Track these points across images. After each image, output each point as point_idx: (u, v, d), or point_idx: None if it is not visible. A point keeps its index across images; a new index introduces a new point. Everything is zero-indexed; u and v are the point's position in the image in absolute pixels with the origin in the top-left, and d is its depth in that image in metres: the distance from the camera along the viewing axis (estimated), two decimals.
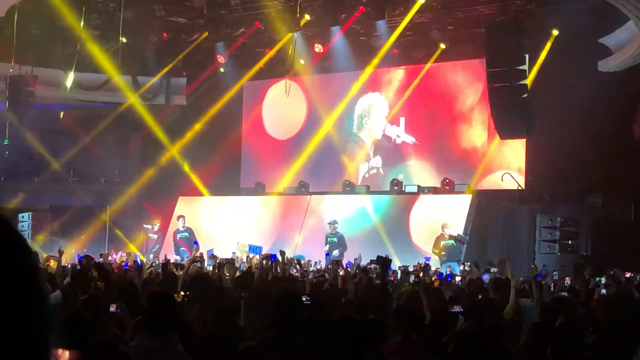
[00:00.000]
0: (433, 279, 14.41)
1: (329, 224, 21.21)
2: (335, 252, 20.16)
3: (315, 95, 26.76)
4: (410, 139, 24.99)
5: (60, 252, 14.00)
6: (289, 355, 6.02)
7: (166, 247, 24.08)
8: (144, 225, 24.48)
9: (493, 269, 15.44)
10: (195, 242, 20.23)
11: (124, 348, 5.94)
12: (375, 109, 25.84)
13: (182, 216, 23.60)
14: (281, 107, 27.32)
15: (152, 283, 10.60)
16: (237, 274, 12.26)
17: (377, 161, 25.59)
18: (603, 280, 13.13)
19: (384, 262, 9.15)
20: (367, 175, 25.49)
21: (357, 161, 25.84)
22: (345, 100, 25.97)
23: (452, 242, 19.66)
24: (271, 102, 27.65)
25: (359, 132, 26.18)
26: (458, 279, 13.61)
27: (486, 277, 11.36)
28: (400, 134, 25.25)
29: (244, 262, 18.54)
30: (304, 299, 7.64)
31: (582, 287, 11.26)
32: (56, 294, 9.32)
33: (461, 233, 19.81)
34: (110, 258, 19.78)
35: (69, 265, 14.93)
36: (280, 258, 13.48)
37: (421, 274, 14.42)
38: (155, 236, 23.94)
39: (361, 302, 9.24)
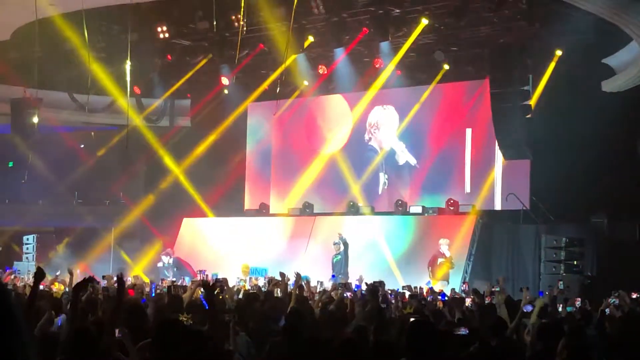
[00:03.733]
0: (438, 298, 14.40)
1: (334, 244, 21.25)
2: (341, 276, 20.13)
3: (317, 116, 26.80)
4: (413, 161, 24.98)
5: (70, 273, 13.97)
6: None
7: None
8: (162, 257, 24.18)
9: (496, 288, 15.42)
10: (204, 272, 20.25)
11: None
12: (386, 121, 25.74)
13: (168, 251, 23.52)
14: (286, 127, 27.40)
15: (161, 308, 10.55)
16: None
17: (384, 177, 25.49)
18: (617, 301, 13.08)
19: (372, 290, 9.18)
20: (380, 192, 25.31)
21: (370, 175, 25.61)
22: (350, 120, 26.00)
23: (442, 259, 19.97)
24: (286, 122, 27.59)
25: (370, 142, 26.01)
26: (468, 300, 13.56)
27: (528, 308, 11.26)
28: (404, 152, 25.21)
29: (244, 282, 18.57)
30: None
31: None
32: (62, 317, 9.30)
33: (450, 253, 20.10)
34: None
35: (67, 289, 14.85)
36: (281, 279, 13.48)
37: (429, 298, 14.42)
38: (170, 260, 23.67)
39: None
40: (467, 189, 23.33)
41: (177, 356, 5.96)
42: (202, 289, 13.31)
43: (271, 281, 15.57)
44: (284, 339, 7.39)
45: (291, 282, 13.81)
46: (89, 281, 7.84)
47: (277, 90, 25.25)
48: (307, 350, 6.66)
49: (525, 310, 10.66)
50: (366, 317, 9.55)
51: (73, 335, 6.43)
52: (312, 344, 6.75)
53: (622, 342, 8.09)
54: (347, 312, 10.66)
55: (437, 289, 17.56)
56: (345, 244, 20.97)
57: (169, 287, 13.62)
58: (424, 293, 16.13)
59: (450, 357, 7.03)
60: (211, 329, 7.08)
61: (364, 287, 16.26)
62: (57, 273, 18.42)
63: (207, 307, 8.93)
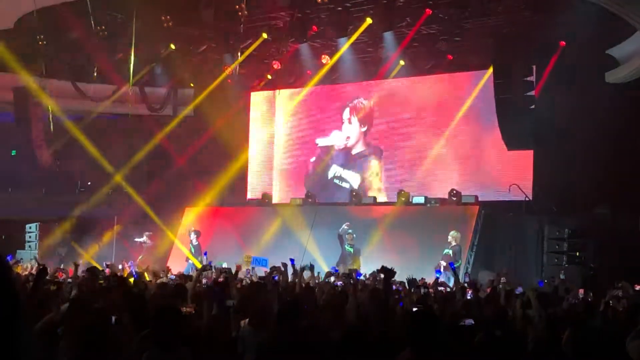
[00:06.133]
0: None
1: (347, 233, 21.32)
2: (340, 268, 20.23)
3: (321, 106, 26.77)
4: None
5: (76, 265, 13.99)
6: None
7: (174, 257, 24.25)
8: (136, 239, 24.48)
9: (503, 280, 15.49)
10: (205, 253, 20.33)
11: None
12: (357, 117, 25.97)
13: (197, 231, 23.88)
14: (289, 117, 27.42)
15: (161, 295, 10.54)
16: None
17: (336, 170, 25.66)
18: (620, 292, 13.10)
19: (387, 273, 8.99)
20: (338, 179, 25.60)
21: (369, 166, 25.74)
22: (350, 110, 26.01)
23: (450, 251, 19.95)
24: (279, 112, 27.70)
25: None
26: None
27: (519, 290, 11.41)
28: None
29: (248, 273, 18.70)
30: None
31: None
32: (65, 306, 9.28)
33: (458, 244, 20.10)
34: (120, 267, 19.90)
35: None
36: (283, 270, 13.49)
37: (431, 289, 14.43)
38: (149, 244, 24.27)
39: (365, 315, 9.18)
40: (470, 179, 23.30)
41: (175, 342, 5.98)
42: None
43: (273, 270, 15.54)
44: (279, 327, 7.37)
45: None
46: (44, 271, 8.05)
47: (280, 80, 25.36)
48: (303, 339, 6.64)
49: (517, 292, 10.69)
50: (371, 306, 9.52)
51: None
52: (308, 333, 6.74)
53: (626, 333, 8.07)
54: (340, 301, 10.58)
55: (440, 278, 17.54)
56: (357, 250, 21.17)
57: (179, 276, 13.63)
58: (429, 283, 16.12)
59: (455, 347, 7.02)
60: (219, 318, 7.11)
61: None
62: (61, 266, 18.49)
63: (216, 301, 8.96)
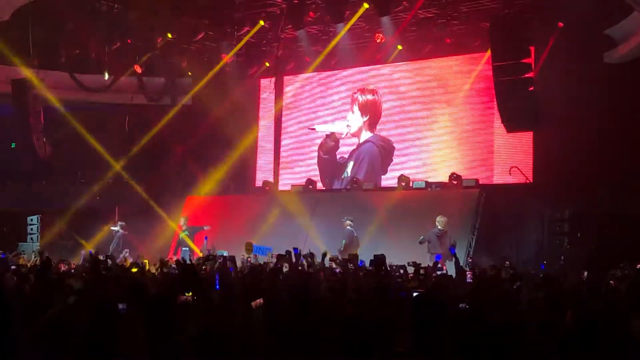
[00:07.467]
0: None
1: (341, 221, 21.26)
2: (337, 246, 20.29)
3: (320, 92, 26.72)
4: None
5: (89, 255, 13.99)
6: None
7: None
8: (111, 228, 24.26)
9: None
10: (206, 238, 20.37)
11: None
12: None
13: (186, 217, 23.96)
14: (288, 104, 27.40)
15: (164, 285, 10.57)
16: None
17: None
18: (619, 272, 13.11)
19: (378, 262, 9.13)
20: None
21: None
22: (347, 97, 25.96)
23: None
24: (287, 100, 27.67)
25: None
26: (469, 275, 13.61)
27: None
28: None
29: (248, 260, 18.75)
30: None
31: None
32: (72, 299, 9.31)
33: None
34: (120, 256, 19.95)
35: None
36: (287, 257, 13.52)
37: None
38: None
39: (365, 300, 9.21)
40: (471, 163, 23.28)
41: (170, 331, 6.01)
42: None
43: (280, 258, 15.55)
44: (292, 313, 7.40)
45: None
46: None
47: (278, 67, 25.31)
48: (314, 323, 6.68)
49: None
50: (370, 291, 9.55)
51: None
52: (318, 318, 6.77)
53: (628, 313, 8.10)
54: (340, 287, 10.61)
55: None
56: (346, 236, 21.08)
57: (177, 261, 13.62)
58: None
59: (455, 331, 7.04)
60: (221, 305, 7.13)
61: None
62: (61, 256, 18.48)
63: (217, 287, 8.99)
